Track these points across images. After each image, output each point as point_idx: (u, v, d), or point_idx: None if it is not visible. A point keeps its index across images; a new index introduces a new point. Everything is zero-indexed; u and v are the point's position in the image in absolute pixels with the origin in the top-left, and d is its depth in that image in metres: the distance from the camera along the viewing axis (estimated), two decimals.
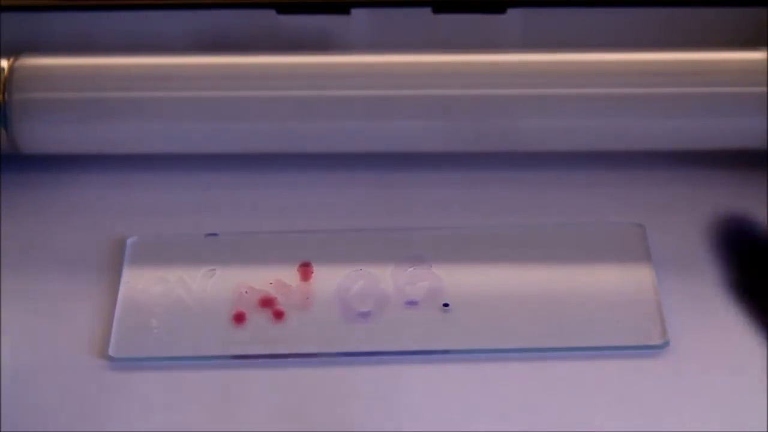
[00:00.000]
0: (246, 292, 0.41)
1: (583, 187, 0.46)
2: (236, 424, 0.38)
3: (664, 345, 0.39)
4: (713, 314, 0.40)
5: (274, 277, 0.42)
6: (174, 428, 0.37)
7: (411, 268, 0.42)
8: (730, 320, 0.40)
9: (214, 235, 0.44)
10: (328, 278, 0.42)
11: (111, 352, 0.40)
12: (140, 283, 0.42)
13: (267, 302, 0.41)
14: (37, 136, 0.46)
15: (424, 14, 0.48)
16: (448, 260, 0.42)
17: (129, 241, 0.44)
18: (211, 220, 0.45)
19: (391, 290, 0.41)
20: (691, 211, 0.44)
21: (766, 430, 0.37)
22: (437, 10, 0.48)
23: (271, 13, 0.48)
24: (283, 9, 0.48)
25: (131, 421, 0.38)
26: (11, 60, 0.46)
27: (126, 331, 0.40)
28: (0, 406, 0.38)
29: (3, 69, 0.46)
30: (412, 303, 0.41)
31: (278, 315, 0.41)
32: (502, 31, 0.50)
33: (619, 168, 0.46)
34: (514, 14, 0.48)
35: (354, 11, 0.48)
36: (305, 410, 0.38)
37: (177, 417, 0.38)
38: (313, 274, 0.42)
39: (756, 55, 0.44)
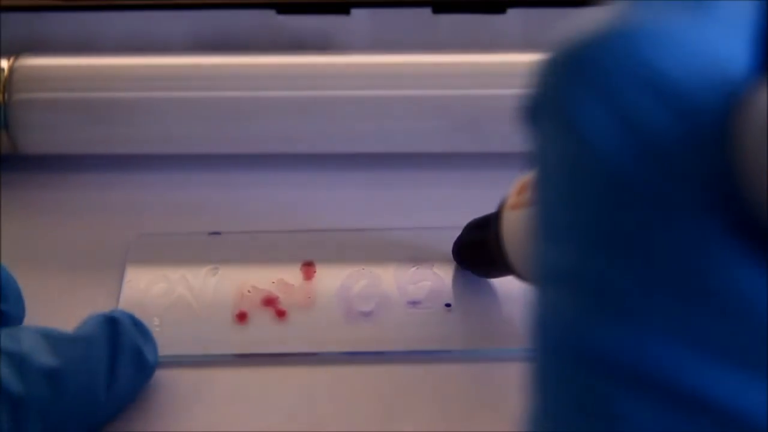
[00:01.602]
0: (249, 291, 0.41)
1: None
2: (238, 423, 0.38)
3: None
4: None
5: (277, 277, 0.42)
6: (175, 427, 0.37)
7: (413, 268, 0.42)
8: None
9: (217, 233, 0.44)
10: (331, 277, 0.42)
11: None
12: (142, 281, 0.42)
13: (269, 301, 0.41)
14: (37, 136, 0.46)
15: (423, 14, 0.48)
16: (450, 260, 0.42)
17: (131, 240, 0.44)
18: (213, 219, 0.45)
19: (394, 290, 0.42)
20: None
21: None
22: (437, 10, 0.48)
23: (271, 13, 0.48)
24: (283, 9, 0.48)
25: (132, 420, 0.38)
26: (11, 60, 0.46)
27: None
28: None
29: (3, 69, 0.45)
30: (414, 303, 0.41)
31: (280, 314, 0.41)
32: (502, 31, 0.50)
33: None
34: (514, 14, 0.48)
35: (354, 11, 0.48)
36: (307, 410, 0.38)
37: (178, 416, 0.38)
38: (315, 274, 0.42)
39: None
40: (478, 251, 0.39)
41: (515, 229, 0.35)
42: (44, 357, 0.33)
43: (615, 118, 0.19)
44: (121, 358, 0.36)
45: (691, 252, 0.18)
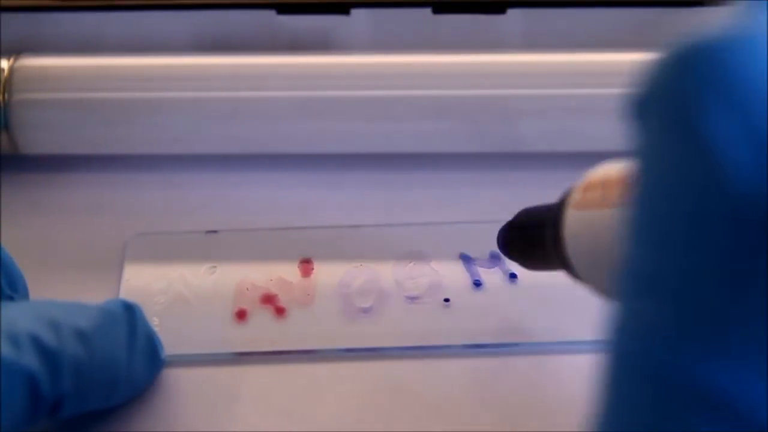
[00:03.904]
0: (247, 289, 0.41)
1: None
2: (238, 422, 0.37)
3: None
4: None
5: (275, 274, 0.42)
6: (176, 427, 0.37)
7: (411, 264, 0.42)
8: None
9: (214, 232, 0.44)
10: (329, 274, 0.42)
11: None
12: (141, 281, 0.42)
13: (268, 299, 0.41)
14: (37, 136, 0.46)
15: (424, 14, 0.48)
16: (448, 255, 0.42)
17: (129, 239, 0.44)
18: (210, 218, 0.45)
19: (392, 286, 0.41)
20: None
21: None
22: (437, 10, 0.48)
23: (271, 13, 0.48)
24: (283, 9, 0.48)
25: (133, 420, 0.38)
26: (11, 60, 0.46)
27: None
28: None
29: (3, 69, 0.45)
30: (413, 298, 0.41)
31: (280, 312, 0.41)
32: (502, 31, 0.50)
33: None
34: (514, 14, 0.48)
35: (354, 11, 0.48)
36: (307, 407, 0.38)
37: (179, 415, 0.38)
38: (313, 271, 0.42)
39: None
40: (532, 247, 0.37)
41: (580, 230, 0.33)
42: (74, 319, 0.34)
43: (752, 140, 0.18)
44: (137, 343, 0.36)
45: None
